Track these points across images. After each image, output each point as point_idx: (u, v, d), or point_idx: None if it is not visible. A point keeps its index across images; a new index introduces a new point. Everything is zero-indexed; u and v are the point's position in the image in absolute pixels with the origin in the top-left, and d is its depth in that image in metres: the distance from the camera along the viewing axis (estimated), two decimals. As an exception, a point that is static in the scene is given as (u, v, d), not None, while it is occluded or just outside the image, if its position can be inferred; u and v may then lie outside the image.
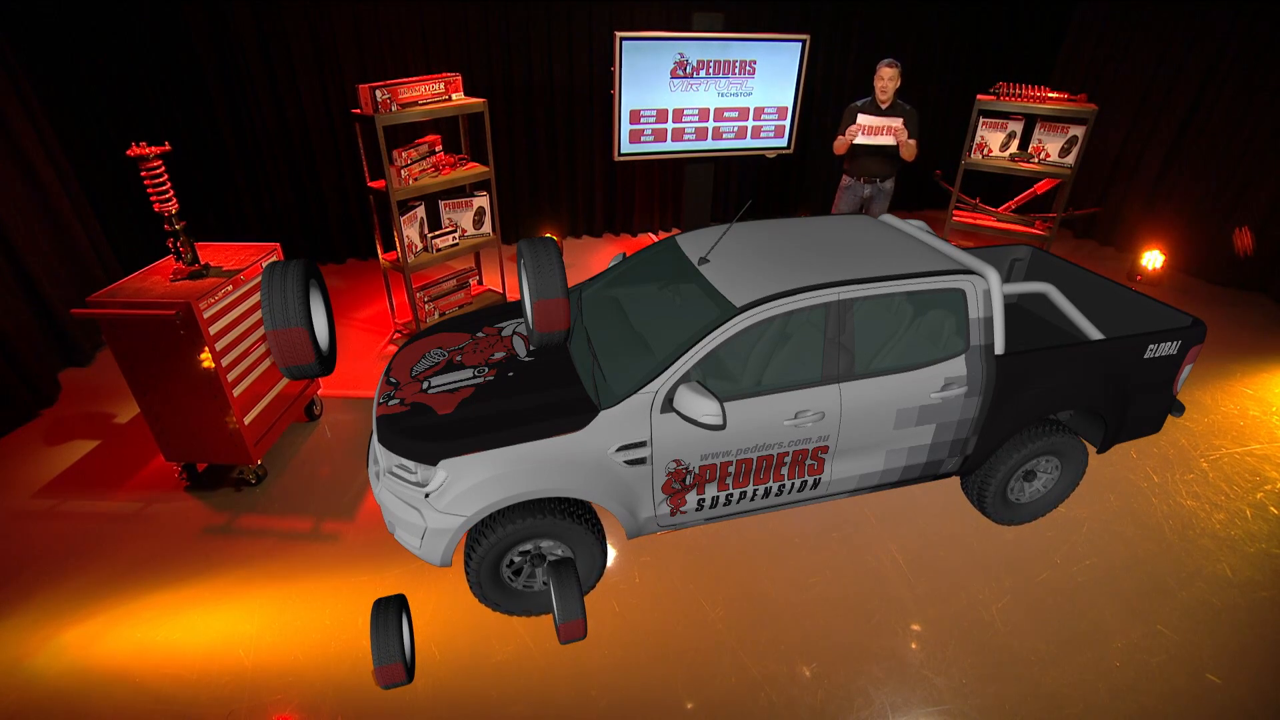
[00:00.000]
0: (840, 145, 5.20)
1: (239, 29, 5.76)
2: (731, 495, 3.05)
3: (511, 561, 2.94)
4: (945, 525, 3.66)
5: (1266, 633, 3.07)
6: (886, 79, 5.00)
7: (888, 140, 5.03)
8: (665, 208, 8.00)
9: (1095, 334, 3.39)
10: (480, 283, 5.73)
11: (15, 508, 3.74)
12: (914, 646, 3.01)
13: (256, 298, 3.74)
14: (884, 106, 5.09)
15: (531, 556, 2.96)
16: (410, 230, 4.87)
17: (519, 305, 3.61)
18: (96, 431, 4.40)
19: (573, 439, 2.72)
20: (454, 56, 6.46)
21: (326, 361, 2.84)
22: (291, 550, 3.47)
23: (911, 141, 5.05)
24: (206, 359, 3.41)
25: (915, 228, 3.65)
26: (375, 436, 2.91)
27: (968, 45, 8.06)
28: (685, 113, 6.07)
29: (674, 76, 5.85)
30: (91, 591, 3.22)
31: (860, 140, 5.08)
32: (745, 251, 3.25)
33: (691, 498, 2.99)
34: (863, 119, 5.03)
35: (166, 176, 3.40)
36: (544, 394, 2.88)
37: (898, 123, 4.98)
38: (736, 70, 5.97)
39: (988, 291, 3.02)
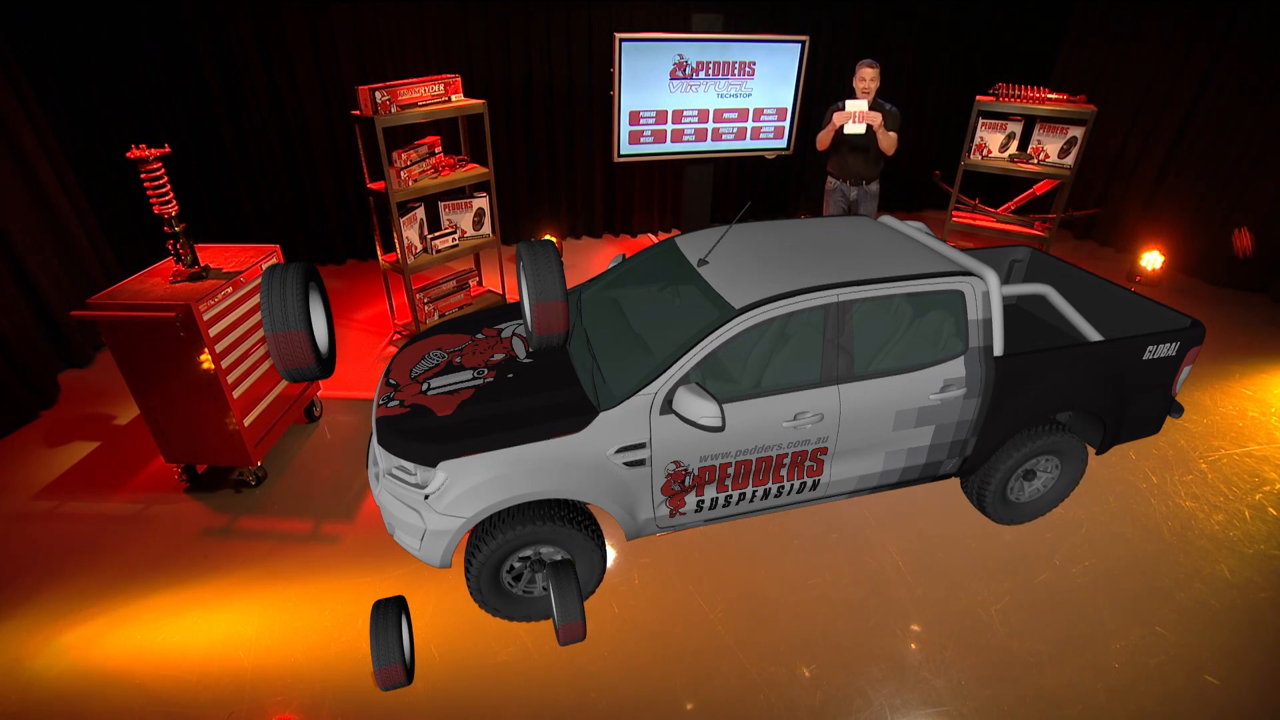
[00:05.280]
0: (822, 139, 5.19)
1: (239, 29, 5.76)
2: (731, 497, 3.05)
3: (512, 567, 2.94)
4: (944, 526, 3.66)
5: (1265, 634, 3.08)
6: (867, 79, 4.97)
7: (858, 128, 4.95)
8: (665, 209, 8.00)
9: (1094, 335, 3.39)
10: (480, 284, 5.74)
11: (15, 509, 3.75)
12: (913, 647, 3.01)
13: (256, 300, 3.75)
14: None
15: (532, 562, 2.97)
16: (410, 231, 4.87)
17: (519, 306, 3.62)
18: (96, 433, 4.40)
19: (572, 440, 2.72)
20: (454, 57, 6.47)
21: (326, 364, 2.84)
22: (291, 552, 3.47)
23: (891, 135, 5.01)
24: (206, 361, 3.42)
25: (914, 229, 3.66)
26: (375, 438, 2.92)
27: (967, 45, 8.06)
28: (685, 114, 6.07)
29: (673, 77, 5.85)
30: (92, 593, 3.22)
31: (840, 123, 5.00)
32: (744, 253, 3.25)
33: (691, 499, 3.00)
34: (850, 105, 4.96)
35: (166, 178, 3.40)
36: (543, 396, 2.89)
37: (863, 105, 4.92)
38: (736, 71, 5.97)
39: (986, 293, 3.03)
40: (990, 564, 3.43)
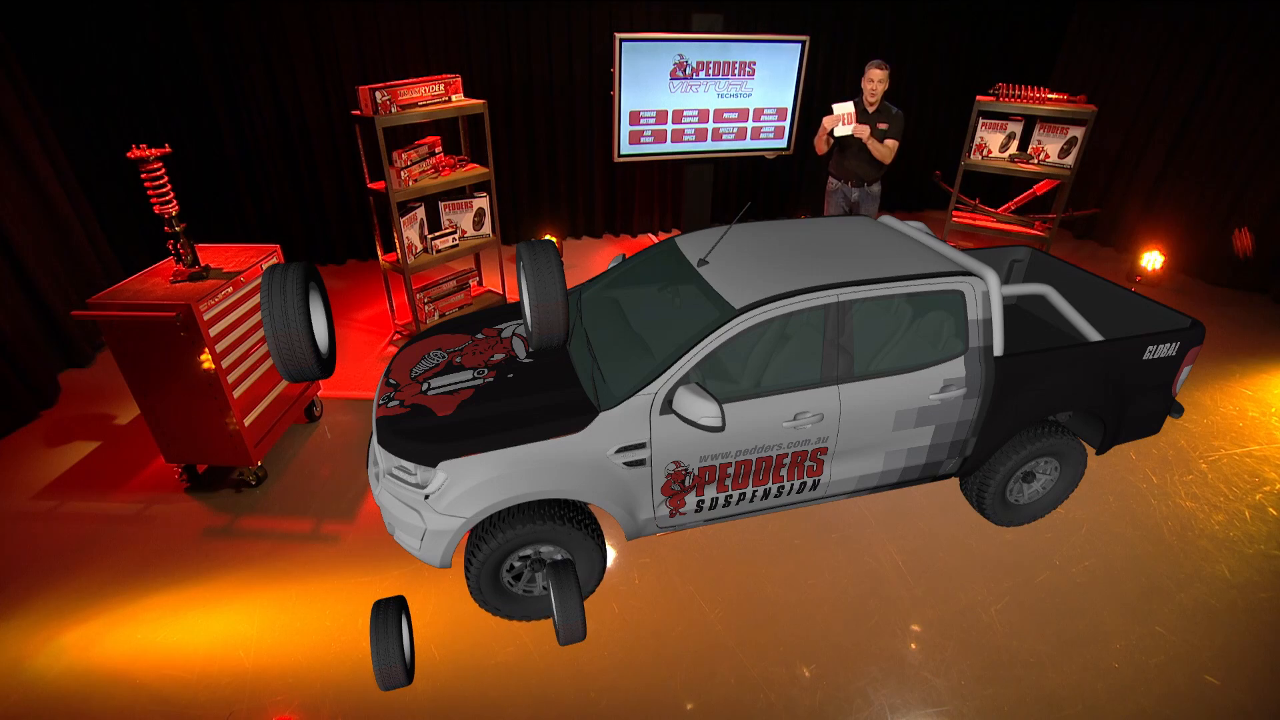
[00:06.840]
0: (818, 143, 5.18)
1: (239, 30, 5.77)
2: (731, 497, 3.05)
3: (512, 566, 2.94)
4: (944, 526, 3.66)
5: (1265, 634, 3.08)
6: (876, 80, 4.96)
7: (846, 130, 4.93)
8: (665, 209, 8.00)
9: (1094, 335, 3.39)
10: (480, 284, 5.74)
11: (16, 509, 3.75)
12: (913, 647, 3.01)
13: (256, 299, 3.75)
14: (871, 110, 5.08)
15: (532, 561, 2.97)
16: (410, 231, 4.87)
17: (519, 306, 3.62)
18: (97, 433, 4.40)
19: (572, 440, 2.72)
20: (454, 57, 6.47)
21: (326, 364, 2.85)
22: (291, 551, 3.47)
23: (890, 142, 5.00)
24: (207, 360, 3.42)
25: (914, 229, 3.66)
26: (375, 438, 2.92)
27: (968, 45, 8.06)
28: (685, 114, 6.07)
29: (674, 78, 5.85)
30: (92, 593, 3.22)
31: (829, 126, 4.96)
32: (744, 253, 3.25)
33: (691, 499, 3.00)
34: (838, 108, 4.92)
35: (167, 178, 3.40)
36: (543, 396, 2.89)
37: (849, 108, 4.91)
38: (736, 71, 5.97)
39: (986, 293, 3.03)
40: (990, 564, 3.43)
